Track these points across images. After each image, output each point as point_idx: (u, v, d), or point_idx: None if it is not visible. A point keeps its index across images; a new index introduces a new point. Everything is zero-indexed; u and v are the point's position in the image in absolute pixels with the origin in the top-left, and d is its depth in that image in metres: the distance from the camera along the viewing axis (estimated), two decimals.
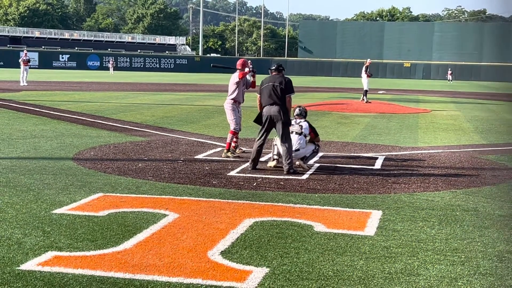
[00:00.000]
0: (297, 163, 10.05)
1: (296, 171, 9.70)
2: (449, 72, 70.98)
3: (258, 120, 10.05)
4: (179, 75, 68.06)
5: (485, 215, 7.25)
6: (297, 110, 10.37)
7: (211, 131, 15.28)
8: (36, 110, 19.92)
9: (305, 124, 10.24)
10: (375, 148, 13.00)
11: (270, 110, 9.75)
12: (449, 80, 69.18)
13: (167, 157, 11.04)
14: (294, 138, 10.02)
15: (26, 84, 35.36)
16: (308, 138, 10.22)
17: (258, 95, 10.04)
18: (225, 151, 11.21)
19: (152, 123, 17.01)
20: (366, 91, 27.54)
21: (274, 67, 10.11)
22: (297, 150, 9.94)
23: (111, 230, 6.19)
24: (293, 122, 10.15)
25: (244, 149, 11.74)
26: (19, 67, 36.96)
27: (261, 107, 9.97)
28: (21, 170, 9.30)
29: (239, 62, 11.40)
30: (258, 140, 9.94)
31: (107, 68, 74.85)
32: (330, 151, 12.32)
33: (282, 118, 9.66)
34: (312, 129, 10.34)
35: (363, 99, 27.42)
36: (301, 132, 10.13)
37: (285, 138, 9.70)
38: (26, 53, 37.00)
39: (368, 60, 28.31)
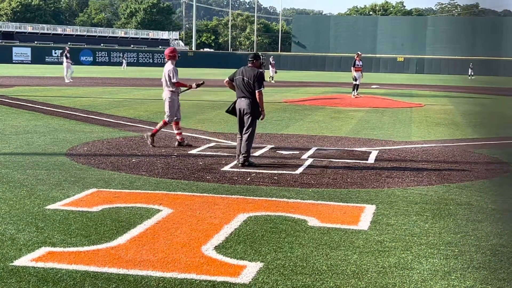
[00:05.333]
0: None
1: (252, 163, 9.75)
2: (470, 66, 66.62)
3: (230, 111, 10.07)
4: None
5: (479, 209, 7.28)
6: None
7: (205, 126, 15.27)
8: (29, 106, 19.84)
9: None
10: (369, 143, 13.01)
11: (241, 103, 9.80)
12: (469, 76, 64.24)
13: (160, 152, 11.03)
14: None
15: (70, 80, 35.78)
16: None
17: (227, 79, 10.01)
18: None
19: (145, 118, 16.98)
20: (356, 85, 27.41)
21: (250, 58, 9.95)
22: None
23: (105, 225, 6.18)
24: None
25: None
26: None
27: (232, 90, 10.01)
28: (14, 166, 9.26)
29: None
30: (240, 136, 9.91)
31: (117, 64, 74.93)
32: (324, 145, 12.34)
33: (250, 111, 9.71)
34: None
35: (353, 94, 27.34)
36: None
37: (249, 130, 9.73)
38: (67, 49, 36.88)
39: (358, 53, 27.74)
